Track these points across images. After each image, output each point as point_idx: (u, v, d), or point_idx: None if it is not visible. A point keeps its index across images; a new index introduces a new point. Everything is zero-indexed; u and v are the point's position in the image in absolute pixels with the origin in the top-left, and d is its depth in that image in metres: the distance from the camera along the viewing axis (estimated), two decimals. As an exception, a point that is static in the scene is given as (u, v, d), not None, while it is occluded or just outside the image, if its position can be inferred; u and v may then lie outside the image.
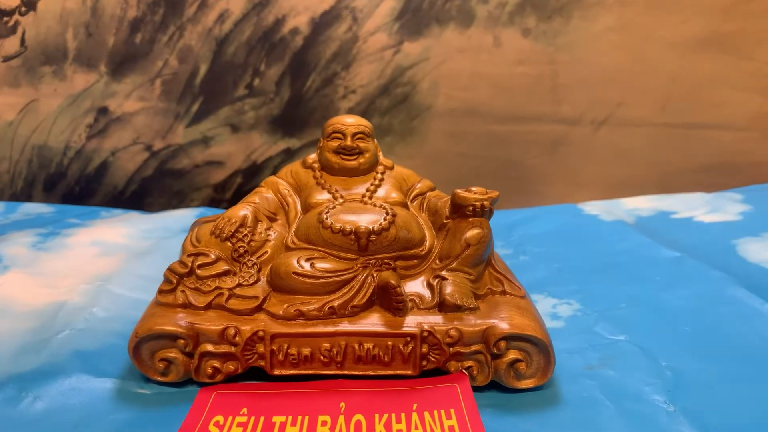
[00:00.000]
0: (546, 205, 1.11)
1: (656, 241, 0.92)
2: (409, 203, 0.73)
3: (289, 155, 1.14)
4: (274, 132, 1.12)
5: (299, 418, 0.55)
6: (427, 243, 0.67)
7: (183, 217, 1.03)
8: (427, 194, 0.74)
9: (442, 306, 0.62)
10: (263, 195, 0.72)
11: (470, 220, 0.65)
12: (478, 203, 0.64)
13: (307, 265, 0.62)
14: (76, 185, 1.15)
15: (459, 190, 0.66)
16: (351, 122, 0.72)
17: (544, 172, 1.17)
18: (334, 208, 0.67)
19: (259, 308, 0.61)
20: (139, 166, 1.16)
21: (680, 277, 0.82)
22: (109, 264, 0.83)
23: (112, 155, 1.16)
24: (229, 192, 1.15)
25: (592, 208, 1.08)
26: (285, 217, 0.71)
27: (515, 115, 1.14)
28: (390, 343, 0.59)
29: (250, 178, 1.14)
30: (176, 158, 1.14)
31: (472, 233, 0.64)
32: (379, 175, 0.72)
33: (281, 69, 1.09)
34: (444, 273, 0.64)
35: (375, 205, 0.67)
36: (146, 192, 1.17)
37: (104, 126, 1.14)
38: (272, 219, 0.70)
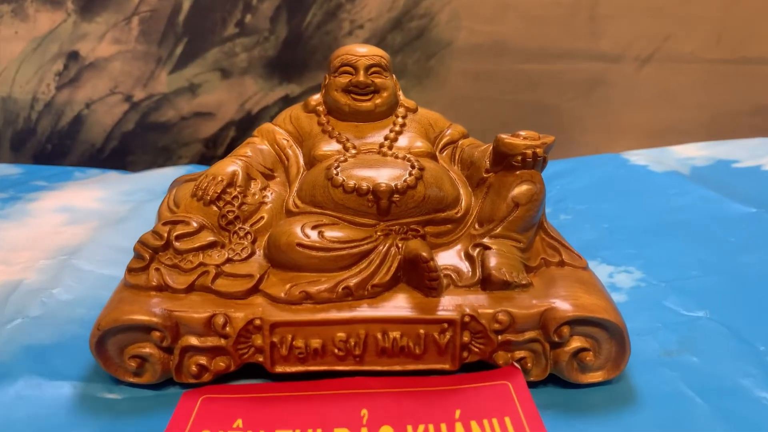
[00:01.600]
0: (584, 155, 0.97)
1: (723, 195, 0.79)
2: (437, 154, 0.59)
3: (287, 103, 1.01)
4: (270, 77, 0.99)
5: (309, 431, 0.42)
6: (463, 203, 0.54)
7: (168, 176, 0.89)
8: (460, 142, 0.60)
9: (487, 282, 0.49)
10: (257, 147, 0.58)
11: (518, 173, 0.52)
12: (529, 151, 0.51)
13: (314, 234, 0.49)
14: (47, 143, 1.02)
15: (504, 136, 0.52)
16: (364, 52, 0.57)
17: (581, 118, 1.03)
18: (345, 161, 0.53)
19: (254, 289, 0.48)
20: (118, 120, 1.02)
21: (760, 237, 0.69)
22: (77, 234, 0.70)
23: (86, 108, 1.02)
24: (222, 147, 1.03)
25: (639, 157, 0.94)
26: (285, 174, 0.57)
27: (548, 51, 1.00)
28: (422, 331, 0.47)
29: (244, 130, 1.02)
30: (160, 110, 1.01)
31: (521, 190, 0.51)
32: (400, 120, 0.58)
33: (276, 2, 0.94)
34: (486, 240, 0.51)
35: (396, 157, 0.54)
36: (127, 149, 1.04)
37: (76, 74, 1.00)
38: (269, 176, 0.56)
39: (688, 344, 0.54)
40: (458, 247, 0.53)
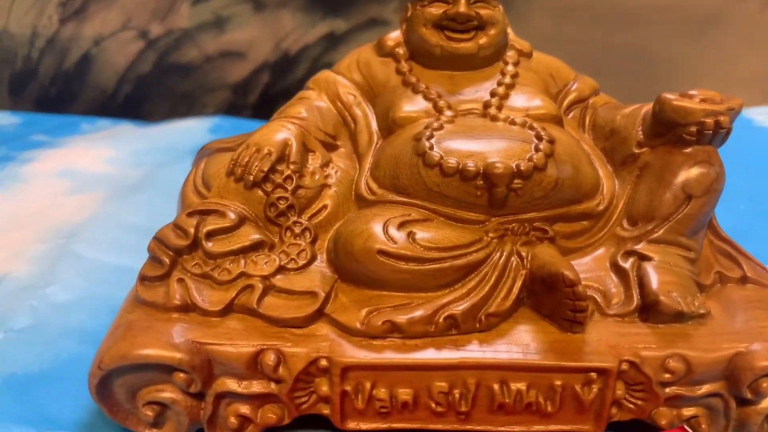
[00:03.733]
0: (693, 112, 0.80)
1: None
2: (563, 117, 0.43)
3: (332, 43, 0.84)
4: (312, 9, 0.84)
5: None
6: (605, 190, 0.38)
7: (191, 131, 0.74)
8: (591, 101, 0.44)
9: (651, 312, 0.34)
10: (313, 104, 0.42)
11: (690, 150, 0.36)
12: (709, 120, 0.35)
13: (401, 237, 0.34)
14: (51, 86, 0.88)
15: (670, 96, 0.36)
16: (465, -29, 0.41)
17: (689, 65, 0.86)
18: (441, 128, 0.37)
19: (318, 314, 0.34)
20: (132, 61, 0.87)
21: None
22: (79, 207, 0.56)
23: (95, 45, 0.87)
24: (253, 95, 0.88)
25: (765, 117, 0.76)
26: (351, 142, 0.42)
27: (654, -19, 0.81)
28: (558, 382, 0.33)
29: (280, 75, 0.87)
30: (181, 49, 0.86)
31: (694, 175, 0.36)
32: (510, 68, 0.42)
33: None
34: (644, 247, 0.36)
35: (513, 123, 0.38)
36: (144, 95, 0.89)
37: (81, 4, 0.85)
38: (330, 146, 0.41)
39: None
40: (599, 252, 0.38)
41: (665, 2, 0.82)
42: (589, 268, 0.37)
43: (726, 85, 0.86)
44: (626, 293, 0.35)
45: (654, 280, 0.35)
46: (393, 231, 0.34)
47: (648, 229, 0.37)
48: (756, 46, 0.84)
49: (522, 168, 0.35)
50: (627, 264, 0.36)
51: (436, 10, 0.41)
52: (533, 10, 0.83)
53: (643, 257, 0.36)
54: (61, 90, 0.89)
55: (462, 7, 0.40)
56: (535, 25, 0.84)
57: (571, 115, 0.43)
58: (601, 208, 0.38)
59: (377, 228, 0.34)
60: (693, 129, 0.36)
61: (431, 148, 0.36)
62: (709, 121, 0.36)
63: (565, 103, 0.43)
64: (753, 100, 0.84)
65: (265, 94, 0.89)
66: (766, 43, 0.84)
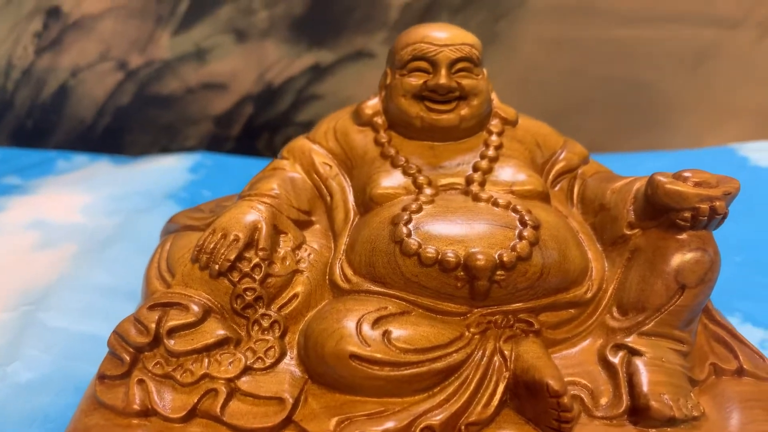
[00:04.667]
0: (686, 148, 0.78)
1: None
2: (550, 190, 0.41)
3: (317, 74, 0.82)
4: (297, 40, 0.82)
5: None
6: (594, 273, 0.36)
7: (171, 171, 0.72)
8: (580, 170, 0.42)
9: (641, 415, 0.32)
10: (287, 176, 0.40)
11: (684, 236, 0.34)
12: (704, 205, 0.33)
13: (375, 336, 0.32)
14: (27, 118, 0.85)
15: (664, 179, 0.35)
16: (446, 39, 0.39)
17: (684, 98, 0.84)
18: (419, 210, 0.35)
19: (287, 422, 0.32)
20: (111, 92, 0.85)
21: None
22: (49, 265, 0.53)
23: (72, 77, 0.84)
24: (236, 127, 0.85)
25: (760, 155, 0.74)
26: (328, 218, 0.40)
27: (646, 14, 0.80)
28: None
29: (264, 107, 0.85)
30: (162, 80, 0.83)
31: (688, 262, 0.35)
32: (494, 138, 0.40)
33: (305, -55, 0.74)
34: (634, 341, 0.34)
35: (496, 204, 0.36)
36: (123, 127, 0.87)
37: (58, 35, 0.82)
38: (305, 224, 0.39)
39: None
40: (587, 343, 0.36)
41: (660, 34, 0.80)
42: (576, 361, 0.35)
43: (721, 118, 0.84)
44: (615, 392, 0.33)
45: (645, 380, 0.33)
46: (367, 330, 0.32)
47: (639, 320, 0.35)
48: (751, 78, 0.82)
49: (505, 259, 0.33)
50: (616, 359, 0.34)
51: (415, 80, 0.38)
52: (525, 41, 0.81)
53: (634, 352, 0.34)
54: (38, 122, 0.86)
55: (443, 79, 0.38)
56: (526, 55, 0.81)
57: (558, 186, 0.41)
58: (589, 295, 0.36)
59: (350, 327, 0.32)
60: (687, 215, 0.34)
61: (409, 234, 0.34)
62: (705, 206, 0.34)
63: (553, 173, 0.41)
64: (748, 133, 0.82)
65: (248, 126, 0.87)
66: (761, 76, 0.82)
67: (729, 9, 0.79)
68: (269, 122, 0.86)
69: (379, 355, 0.31)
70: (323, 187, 0.40)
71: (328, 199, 0.40)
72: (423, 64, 0.38)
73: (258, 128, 0.86)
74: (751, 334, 0.49)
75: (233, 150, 0.86)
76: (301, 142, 0.42)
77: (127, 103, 0.85)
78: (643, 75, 0.82)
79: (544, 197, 0.38)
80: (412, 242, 0.34)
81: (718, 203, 0.34)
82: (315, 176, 0.40)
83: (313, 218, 0.39)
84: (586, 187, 0.40)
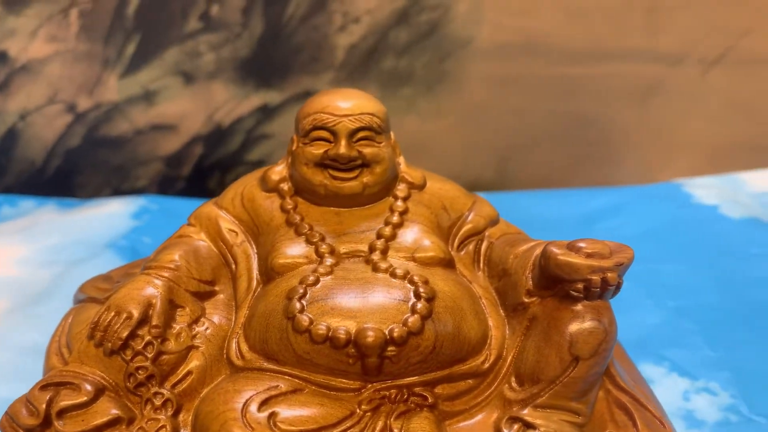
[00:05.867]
0: (633, 184, 0.78)
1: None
2: (454, 253, 0.40)
3: (266, 115, 0.82)
4: (244, 82, 0.82)
5: None
6: (493, 342, 0.36)
7: (114, 217, 0.72)
8: (487, 233, 0.42)
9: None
10: (191, 245, 0.40)
11: (578, 307, 0.34)
12: (596, 277, 0.33)
13: (261, 419, 0.32)
14: (-24, 162, 0.83)
15: (557, 250, 0.34)
16: (347, 109, 0.39)
17: (630, 133, 0.84)
18: (316, 283, 0.35)
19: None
20: (60, 135, 0.84)
21: None
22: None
23: (21, 120, 0.84)
24: (187, 167, 0.85)
25: (706, 192, 0.75)
26: (232, 287, 0.39)
27: (593, 51, 0.81)
28: None
29: (214, 147, 0.85)
30: (111, 122, 0.83)
31: (582, 334, 0.34)
32: (400, 204, 0.40)
33: (250, -11, 0.74)
34: (528, 413, 0.34)
35: (394, 275, 0.36)
36: (74, 169, 0.86)
37: (5, 79, 0.82)
38: (207, 295, 0.38)
39: None
40: (484, 414, 0.35)
41: (606, 71, 0.81)
42: (474, 433, 0.35)
43: (670, 152, 0.85)
44: (508, 467, 0.33)
45: (536, 458, 0.33)
46: (253, 412, 0.32)
47: (534, 392, 0.34)
48: (698, 112, 0.83)
49: (395, 334, 0.33)
50: (511, 432, 0.34)
51: (317, 149, 0.39)
52: (472, 80, 0.81)
53: (528, 425, 0.34)
54: (-12, 165, 0.86)
55: (342, 149, 0.38)
56: (473, 93, 0.82)
57: (464, 250, 0.41)
58: (486, 366, 0.36)
59: (236, 410, 0.32)
60: (580, 285, 0.34)
61: (302, 310, 0.34)
62: (596, 278, 0.34)
63: (459, 236, 0.41)
64: (696, 167, 0.83)
65: (199, 165, 0.86)
66: (708, 110, 0.83)
67: (672, 46, 0.80)
68: (220, 162, 0.86)
69: (263, 439, 0.31)
70: (228, 254, 0.40)
71: (233, 266, 0.40)
72: (324, 134, 0.38)
73: (208, 168, 0.86)
74: (676, 384, 0.49)
75: (184, 189, 0.86)
76: (208, 209, 0.41)
77: (77, 145, 0.85)
78: (590, 111, 0.83)
79: (447, 263, 0.38)
80: (304, 318, 0.33)
81: (609, 275, 0.34)
82: (221, 243, 0.40)
83: (217, 288, 0.39)
84: (492, 250, 0.40)
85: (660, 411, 0.37)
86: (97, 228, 0.69)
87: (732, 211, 0.70)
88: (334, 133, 0.38)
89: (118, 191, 0.86)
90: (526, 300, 0.36)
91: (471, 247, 0.41)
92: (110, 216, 0.72)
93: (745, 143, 0.84)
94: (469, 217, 0.42)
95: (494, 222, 0.42)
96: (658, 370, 0.51)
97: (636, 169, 0.84)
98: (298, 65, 0.81)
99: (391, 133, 0.41)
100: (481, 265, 0.40)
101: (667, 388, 0.49)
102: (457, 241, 0.41)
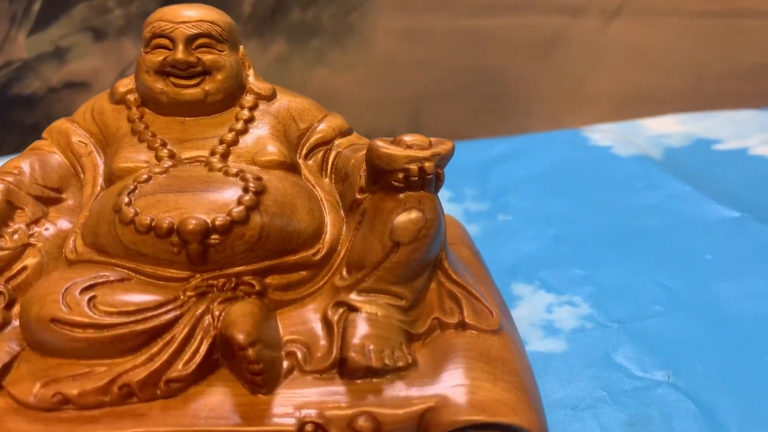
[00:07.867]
0: (537, 132, 0.81)
1: (700, 191, 0.63)
2: (302, 161, 0.42)
3: (178, 71, 0.81)
4: None
5: None
6: (327, 237, 0.38)
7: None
8: (336, 142, 0.43)
9: (344, 368, 0.33)
10: (43, 156, 0.41)
11: (401, 196, 0.36)
12: (413, 166, 0.35)
13: (81, 299, 0.33)
14: None
15: (380, 142, 0.36)
16: (186, 17, 0.40)
17: (534, 84, 0.86)
18: (148, 180, 0.36)
19: (-6, 387, 0.32)
20: (-29, 93, 0.83)
21: (743, 255, 0.54)
22: None
23: (-70, 79, 0.83)
24: (102, 125, 0.83)
25: (602, 135, 0.77)
26: (80, 196, 0.40)
27: (496, 4, 0.83)
28: None
29: None
30: (22, 80, 0.83)
31: (402, 222, 0.36)
32: (246, 113, 0.41)
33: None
34: (353, 298, 0.36)
35: (227, 173, 0.37)
36: (-12, 128, 0.85)
37: None
38: (52, 201, 0.39)
39: (641, 427, 0.39)
40: (315, 303, 0.37)
41: (510, 23, 0.83)
42: (300, 320, 0.36)
43: (569, 103, 0.87)
44: (328, 347, 0.35)
45: (354, 333, 0.34)
46: (74, 295, 0.33)
47: (358, 278, 0.36)
48: (600, 63, 0.86)
49: (218, 223, 0.34)
50: (335, 316, 0.35)
51: (157, 56, 0.40)
52: (378, 33, 0.83)
53: (352, 308, 0.35)
54: None
55: (180, 54, 0.39)
56: (380, 47, 0.83)
57: (312, 159, 0.43)
58: (317, 257, 0.37)
59: (57, 293, 0.33)
60: (400, 176, 0.35)
61: (128, 204, 0.35)
62: (413, 167, 0.35)
63: (308, 145, 0.42)
64: (598, 116, 0.85)
65: (113, 124, 0.87)
66: (609, 61, 0.86)
67: (573, -3, 0.83)
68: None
69: (78, 318, 0.32)
70: (77, 164, 0.41)
71: (81, 176, 0.41)
72: (163, 41, 0.39)
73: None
74: (542, 299, 0.52)
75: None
76: (59, 123, 0.42)
77: (-11, 104, 0.85)
78: (496, 64, 0.85)
79: (288, 167, 0.40)
80: (130, 210, 0.34)
81: (427, 164, 0.35)
82: (70, 154, 0.41)
83: (65, 195, 0.40)
84: (339, 158, 0.42)
85: (498, 306, 0.39)
86: None
87: (623, 150, 0.73)
88: (172, 39, 0.39)
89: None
90: (359, 197, 0.38)
91: (319, 156, 0.42)
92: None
93: (644, 94, 0.87)
94: (319, 128, 0.43)
95: (344, 133, 0.43)
96: (528, 288, 0.53)
97: (542, 120, 0.86)
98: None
99: (241, 48, 0.43)
100: (329, 172, 0.42)
101: (533, 303, 0.51)
102: (305, 150, 0.42)
